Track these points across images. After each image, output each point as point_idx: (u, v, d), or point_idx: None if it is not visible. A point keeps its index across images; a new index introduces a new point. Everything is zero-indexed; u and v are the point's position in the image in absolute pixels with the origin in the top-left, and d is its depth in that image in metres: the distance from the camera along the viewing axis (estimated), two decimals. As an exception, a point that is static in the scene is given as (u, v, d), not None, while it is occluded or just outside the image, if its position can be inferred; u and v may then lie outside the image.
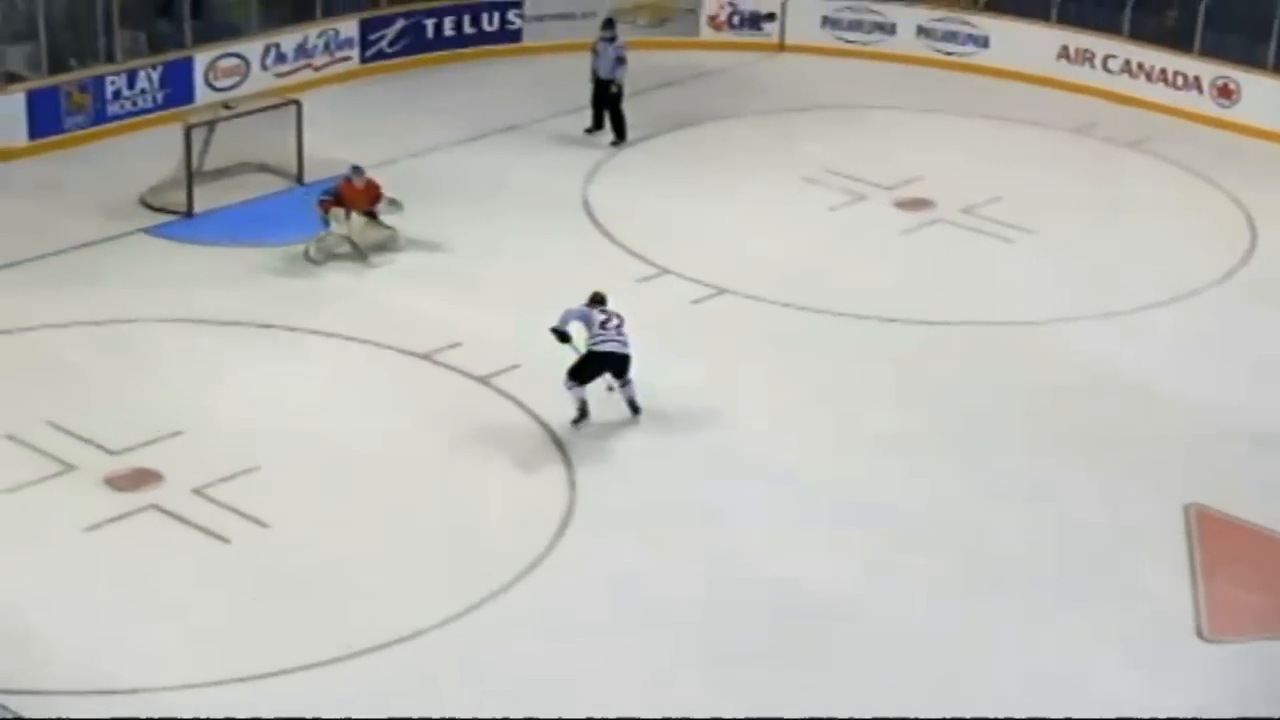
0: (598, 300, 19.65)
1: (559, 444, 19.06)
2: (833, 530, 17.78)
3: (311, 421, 19.35)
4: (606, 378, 19.36)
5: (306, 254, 23.01)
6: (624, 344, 19.26)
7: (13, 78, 25.96)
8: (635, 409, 19.45)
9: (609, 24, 27.58)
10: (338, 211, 23.24)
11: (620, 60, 26.95)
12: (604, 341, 19.24)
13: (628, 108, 27.13)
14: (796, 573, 17.02)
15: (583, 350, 19.30)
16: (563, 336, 19.40)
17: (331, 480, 18.38)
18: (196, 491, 17.89)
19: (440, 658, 15.79)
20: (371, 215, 23.42)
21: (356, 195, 23.43)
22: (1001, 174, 26.47)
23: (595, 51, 27.26)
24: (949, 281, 23.24)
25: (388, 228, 23.50)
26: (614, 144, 27.10)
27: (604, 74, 27.09)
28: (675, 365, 20.71)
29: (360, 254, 23.11)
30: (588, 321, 19.38)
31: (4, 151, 25.64)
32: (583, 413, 19.30)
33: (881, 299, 22.43)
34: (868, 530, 17.77)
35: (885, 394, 20.35)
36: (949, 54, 30.77)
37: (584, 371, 19.30)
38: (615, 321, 19.36)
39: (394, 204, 23.67)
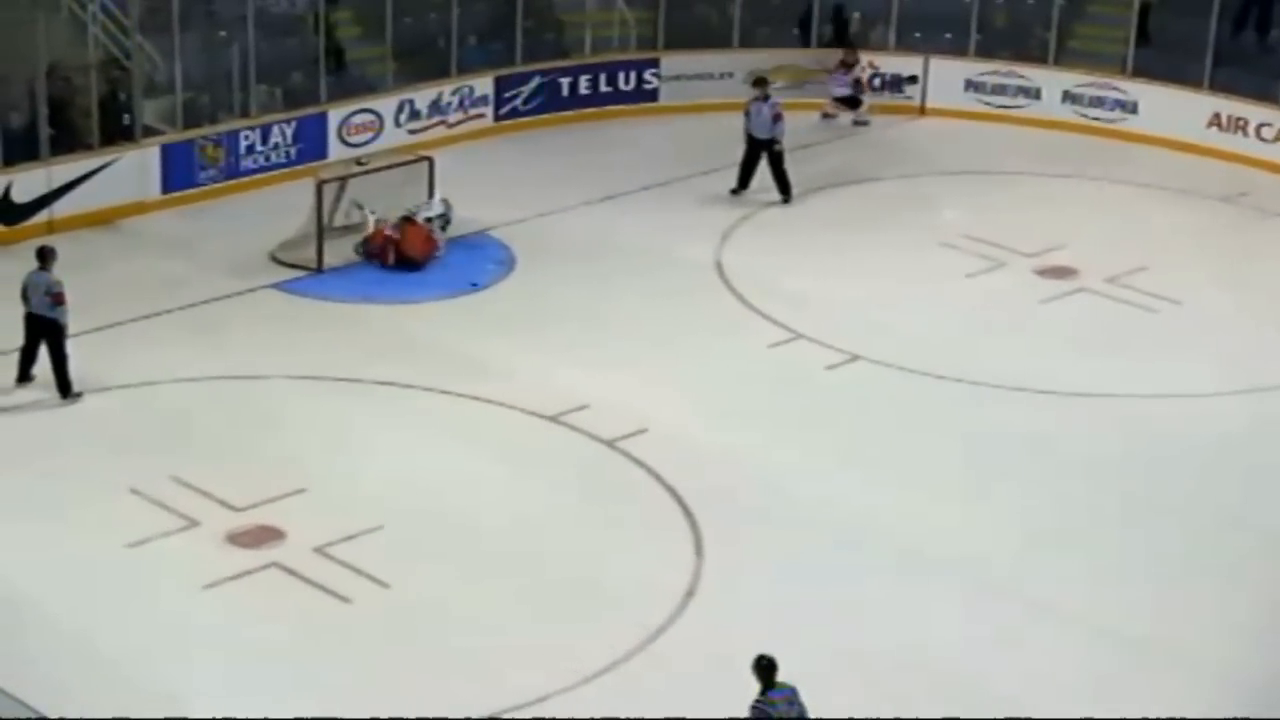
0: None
1: (687, 511, 18.97)
2: (971, 614, 17.59)
3: (436, 482, 19.45)
4: None
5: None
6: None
7: (148, 131, 26.30)
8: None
9: (762, 82, 27.52)
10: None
11: (777, 118, 26.96)
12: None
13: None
14: (938, 660, 16.86)
15: None
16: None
17: (454, 541, 18.42)
18: (318, 550, 18.01)
19: (558, 726, 15.72)
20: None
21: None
22: (1148, 243, 26.22)
23: (748, 113, 27.26)
24: (1091, 352, 22.97)
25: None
26: (784, 202, 27.17)
27: (760, 134, 27.07)
28: (807, 433, 20.68)
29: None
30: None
31: (137, 205, 25.99)
32: None
33: (1020, 369, 22.23)
34: (1010, 618, 17.56)
35: (1027, 472, 20.10)
36: (1096, 120, 30.54)
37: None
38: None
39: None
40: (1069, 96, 30.72)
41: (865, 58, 30.86)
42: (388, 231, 24.53)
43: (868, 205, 27.56)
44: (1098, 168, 29.04)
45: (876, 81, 31.22)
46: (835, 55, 31.05)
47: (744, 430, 20.69)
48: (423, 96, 28.86)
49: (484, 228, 25.77)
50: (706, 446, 20.21)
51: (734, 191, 27.40)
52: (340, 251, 24.73)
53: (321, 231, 24.55)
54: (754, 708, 14.32)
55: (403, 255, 24.44)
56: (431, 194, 25.33)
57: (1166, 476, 20.05)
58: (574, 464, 20.03)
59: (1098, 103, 30.57)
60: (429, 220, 24.79)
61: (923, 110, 31.32)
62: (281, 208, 25.53)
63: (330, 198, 24.89)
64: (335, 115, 27.91)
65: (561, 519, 18.92)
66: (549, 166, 28.29)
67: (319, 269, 24.46)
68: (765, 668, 14.45)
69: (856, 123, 30.61)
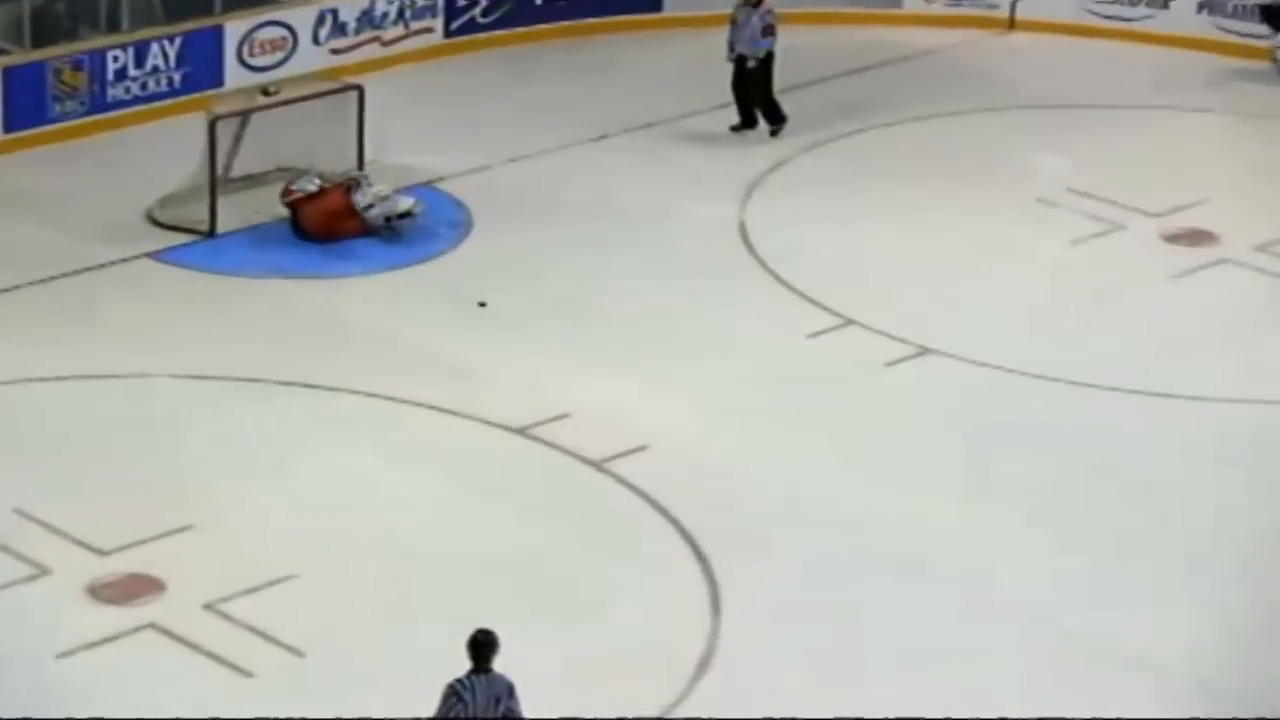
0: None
1: (699, 553, 19.03)
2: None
3: (368, 514, 19.49)
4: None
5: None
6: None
7: (-14, 51, 26.69)
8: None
9: None
10: None
11: (768, 30, 27.25)
12: None
13: (787, 98, 27.57)
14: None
15: None
16: None
17: (391, 594, 18.41)
18: (209, 607, 17.99)
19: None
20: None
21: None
22: (1311, 200, 26.68)
23: (734, 22, 27.54)
24: (1236, 343, 23.25)
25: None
26: (774, 134, 27.54)
27: (746, 50, 27.34)
28: (859, 450, 20.79)
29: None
30: None
31: (-28, 149, 26.37)
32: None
33: (1144, 365, 22.47)
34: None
35: (1149, 500, 20.30)
36: (1242, 36, 30.74)
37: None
38: None
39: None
40: (1206, 6, 30.93)
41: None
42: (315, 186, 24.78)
43: (940, 149, 27.83)
44: (1244, 100, 29.48)
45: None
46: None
47: (776, 443, 20.86)
48: (350, 5, 28.95)
49: (432, 179, 25.95)
50: (724, 466, 20.31)
51: (735, 129, 27.66)
52: (240, 211, 24.85)
53: (215, 184, 24.71)
54: (449, 686, 14.87)
55: (296, 221, 24.67)
56: (361, 134, 25.46)
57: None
58: (549, 490, 20.13)
59: (1244, 13, 30.69)
60: (368, 208, 24.72)
61: (1012, 24, 31.65)
62: (162, 152, 25.68)
63: (228, 138, 24.99)
64: (234, 30, 28.04)
65: (533, 563, 18.88)
66: (518, 98, 28.45)
67: (211, 233, 24.63)
68: (475, 644, 14.90)
69: None
